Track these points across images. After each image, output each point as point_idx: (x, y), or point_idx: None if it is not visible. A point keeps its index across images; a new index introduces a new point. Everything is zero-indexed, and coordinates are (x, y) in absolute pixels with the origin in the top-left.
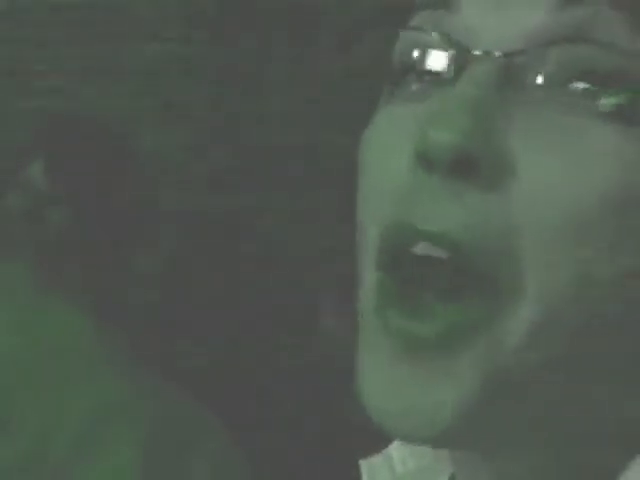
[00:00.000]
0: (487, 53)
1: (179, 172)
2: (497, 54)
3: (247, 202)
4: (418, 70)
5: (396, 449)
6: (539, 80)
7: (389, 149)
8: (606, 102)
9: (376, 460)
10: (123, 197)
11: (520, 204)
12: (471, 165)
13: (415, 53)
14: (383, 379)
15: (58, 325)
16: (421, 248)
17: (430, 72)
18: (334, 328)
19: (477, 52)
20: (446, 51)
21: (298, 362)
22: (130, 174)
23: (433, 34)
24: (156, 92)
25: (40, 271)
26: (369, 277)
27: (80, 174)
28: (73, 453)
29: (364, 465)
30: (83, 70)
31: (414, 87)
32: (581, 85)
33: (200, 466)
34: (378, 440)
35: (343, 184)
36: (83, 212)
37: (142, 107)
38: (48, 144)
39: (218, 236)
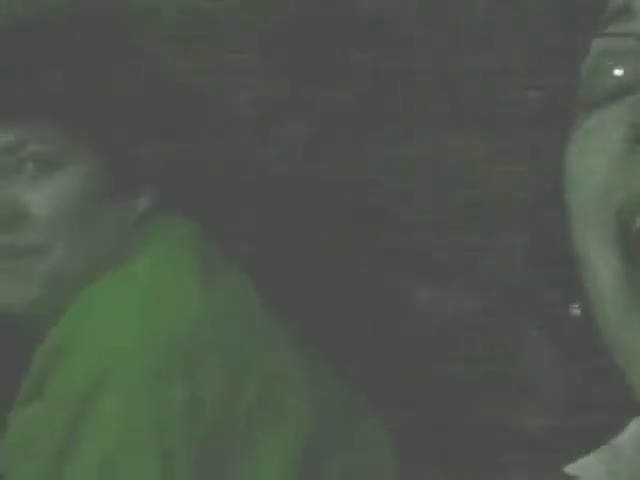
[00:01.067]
0: None
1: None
2: None
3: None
4: (615, 76)
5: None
6: None
7: (602, 139)
8: None
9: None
10: None
11: None
12: None
13: (610, 61)
14: None
15: (236, 298)
16: None
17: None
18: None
19: None
20: None
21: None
22: None
23: (626, 42)
24: None
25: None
26: (609, 271)
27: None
28: (252, 422)
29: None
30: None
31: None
32: None
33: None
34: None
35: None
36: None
37: None
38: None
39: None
